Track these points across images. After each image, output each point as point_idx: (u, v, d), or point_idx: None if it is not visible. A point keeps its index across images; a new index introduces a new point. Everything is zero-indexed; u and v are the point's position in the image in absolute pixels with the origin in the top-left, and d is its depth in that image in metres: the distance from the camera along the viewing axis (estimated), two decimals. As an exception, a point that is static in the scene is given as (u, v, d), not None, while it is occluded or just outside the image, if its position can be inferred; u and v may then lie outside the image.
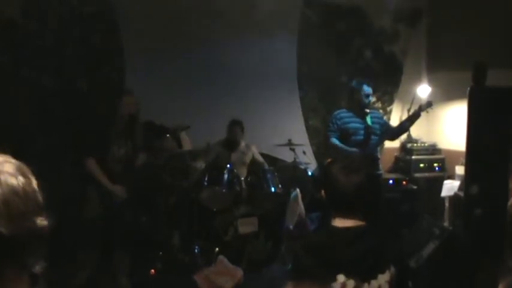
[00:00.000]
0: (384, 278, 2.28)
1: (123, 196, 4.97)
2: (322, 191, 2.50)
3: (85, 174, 5.01)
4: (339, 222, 2.38)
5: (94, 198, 5.15)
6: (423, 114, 5.58)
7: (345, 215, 2.38)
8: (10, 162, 1.26)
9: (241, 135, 6.20)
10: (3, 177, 1.20)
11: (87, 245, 5.17)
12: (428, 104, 5.53)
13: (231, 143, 6.21)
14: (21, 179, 1.23)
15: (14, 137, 5.40)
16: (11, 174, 1.22)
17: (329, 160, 2.77)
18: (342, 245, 2.28)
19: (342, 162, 2.49)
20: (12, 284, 1.21)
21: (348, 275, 2.22)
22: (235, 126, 6.15)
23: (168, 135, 5.42)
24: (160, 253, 5.35)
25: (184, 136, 5.47)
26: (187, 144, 5.85)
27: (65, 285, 4.59)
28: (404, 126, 5.79)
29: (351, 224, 2.36)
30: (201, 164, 5.95)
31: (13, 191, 1.20)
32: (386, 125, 5.90)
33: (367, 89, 5.64)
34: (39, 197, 1.26)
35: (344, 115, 5.67)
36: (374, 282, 2.26)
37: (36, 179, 1.30)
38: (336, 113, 5.77)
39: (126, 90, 5.38)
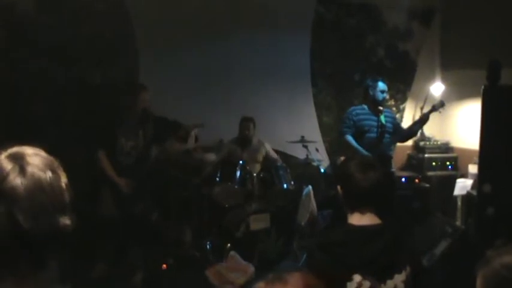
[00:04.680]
0: (400, 278, 2.27)
1: (128, 189, 5.03)
2: (339, 188, 2.48)
3: (98, 168, 5.07)
4: (355, 220, 2.36)
5: (107, 193, 5.20)
6: (436, 113, 5.56)
7: (362, 213, 2.36)
8: (41, 156, 1.25)
9: (253, 132, 6.21)
10: (30, 169, 1.19)
11: (102, 240, 5.21)
12: (441, 104, 5.51)
13: (243, 140, 6.22)
14: (49, 174, 1.21)
15: (27, 131, 5.46)
16: (40, 168, 1.20)
17: (344, 157, 2.76)
18: (359, 244, 2.27)
19: (359, 159, 2.48)
20: (26, 280, 1.19)
21: (364, 275, 2.20)
22: (247, 123, 6.16)
23: (178, 134, 5.43)
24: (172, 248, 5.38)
25: (192, 135, 5.49)
26: (191, 142, 5.81)
27: (81, 278, 4.63)
28: (414, 129, 5.77)
29: (367, 222, 2.35)
30: (212, 157, 5.97)
31: (39, 184, 1.18)
32: (397, 126, 5.89)
33: (382, 86, 5.63)
34: (66, 196, 1.24)
35: (359, 112, 5.66)
36: (390, 282, 2.24)
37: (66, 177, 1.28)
38: (351, 109, 5.76)
39: (142, 86, 5.42)
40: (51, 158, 1.27)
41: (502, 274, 1.54)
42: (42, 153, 1.27)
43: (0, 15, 5.66)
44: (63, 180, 1.25)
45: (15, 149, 1.24)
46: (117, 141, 5.06)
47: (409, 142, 7.29)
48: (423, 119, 5.57)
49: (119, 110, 5.35)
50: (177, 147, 5.48)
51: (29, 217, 1.15)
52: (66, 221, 1.22)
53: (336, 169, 5.38)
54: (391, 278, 2.25)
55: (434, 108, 5.51)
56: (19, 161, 1.20)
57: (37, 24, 5.82)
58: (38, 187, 1.18)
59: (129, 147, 5.10)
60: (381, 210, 2.40)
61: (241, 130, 6.20)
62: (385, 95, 5.68)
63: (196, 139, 5.66)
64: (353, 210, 2.40)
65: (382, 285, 2.23)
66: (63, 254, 1.27)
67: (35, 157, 1.23)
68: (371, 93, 5.64)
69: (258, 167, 6.13)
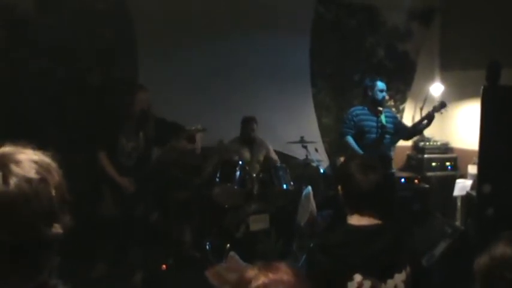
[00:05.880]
0: (400, 278, 2.27)
1: (130, 188, 5.03)
2: (339, 188, 2.48)
3: (98, 169, 5.07)
4: (356, 220, 2.37)
5: (107, 193, 5.20)
6: (436, 113, 5.55)
7: (362, 213, 2.36)
8: (31, 161, 1.19)
9: (256, 129, 6.20)
10: (13, 181, 1.13)
11: (102, 240, 5.22)
12: (442, 105, 5.48)
13: (246, 140, 6.21)
14: (36, 182, 1.15)
15: (27, 131, 5.46)
16: (25, 178, 1.14)
17: (344, 158, 2.76)
18: (359, 244, 2.27)
19: (360, 160, 2.48)
20: (25, 285, 1.16)
21: (365, 275, 2.21)
22: (251, 123, 6.15)
23: (182, 135, 5.42)
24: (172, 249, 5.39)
25: (199, 138, 5.49)
26: (198, 147, 5.78)
27: (82, 278, 4.63)
28: (420, 128, 5.76)
29: (367, 223, 2.35)
30: (212, 162, 5.98)
31: (24, 196, 1.13)
32: (400, 125, 5.87)
33: (381, 85, 5.61)
34: (55, 203, 1.18)
35: (359, 112, 5.64)
36: (390, 282, 2.24)
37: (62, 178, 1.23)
38: (351, 109, 5.74)
39: (140, 86, 5.42)
40: (45, 161, 1.22)
41: (488, 266, 1.56)
42: (33, 155, 1.21)
43: (0, 15, 5.66)
44: (54, 183, 1.20)
45: (1, 152, 1.19)
46: (118, 142, 5.07)
47: (409, 142, 7.29)
48: (429, 119, 5.54)
49: (119, 111, 5.34)
50: (185, 145, 5.46)
51: (13, 231, 1.11)
52: (56, 229, 1.18)
53: (337, 169, 5.39)
54: (392, 277, 2.25)
55: (435, 110, 5.49)
56: (2, 169, 1.14)
57: (37, 24, 5.82)
58: (21, 199, 1.13)
59: (130, 148, 5.11)
60: (382, 211, 2.40)
61: (244, 130, 6.19)
62: (384, 94, 5.67)
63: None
64: (353, 210, 2.40)
65: (383, 284, 2.23)
66: (58, 256, 1.24)
67: (23, 164, 1.17)
68: (370, 93, 5.63)
69: (258, 167, 6.13)
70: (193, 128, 5.30)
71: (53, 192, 1.19)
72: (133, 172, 5.09)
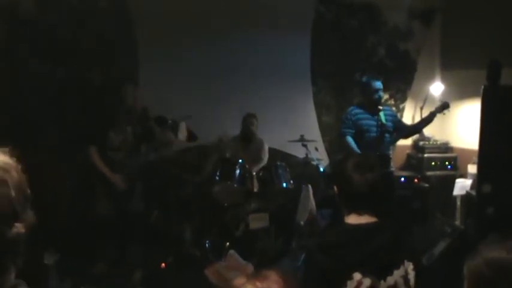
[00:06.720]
0: (399, 273, 2.27)
1: (123, 186, 5.06)
2: (336, 188, 2.46)
3: (89, 164, 5.10)
4: (352, 219, 2.35)
5: (100, 189, 5.22)
6: (439, 114, 5.53)
7: (358, 212, 2.35)
8: None
9: (257, 128, 6.19)
10: None
11: (102, 238, 5.23)
12: (445, 106, 5.45)
13: (246, 137, 6.21)
14: None
15: (24, 129, 5.48)
16: None
17: (341, 157, 2.74)
18: (357, 243, 2.26)
19: (357, 159, 2.46)
20: None
21: (364, 273, 2.21)
22: (251, 118, 6.15)
23: (168, 124, 5.43)
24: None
25: (182, 126, 5.48)
26: (182, 134, 5.73)
27: (83, 276, 4.65)
28: (419, 127, 5.75)
29: (364, 221, 2.33)
30: (211, 161, 5.98)
31: None
32: (399, 123, 5.86)
33: (377, 84, 5.57)
34: (15, 203, 1.18)
35: (358, 111, 5.62)
36: (390, 279, 2.24)
37: (27, 175, 1.23)
38: (350, 109, 5.73)
39: (128, 82, 5.46)
40: (3, 162, 1.20)
41: (482, 269, 1.55)
42: None
43: (0, 15, 5.67)
44: (13, 183, 1.18)
45: None
46: (107, 136, 5.11)
47: (409, 142, 7.29)
48: (429, 119, 5.53)
49: (111, 107, 5.38)
50: (168, 137, 5.47)
51: None
52: (17, 229, 1.17)
53: (333, 168, 5.38)
54: (391, 274, 2.25)
55: (437, 110, 5.45)
56: None
57: (37, 24, 5.82)
58: None
59: (118, 142, 5.13)
60: (380, 210, 2.39)
61: (245, 125, 6.18)
62: (380, 93, 5.61)
63: (195, 137, 5.67)
64: (349, 210, 2.39)
65: (382, 281, 2.23)
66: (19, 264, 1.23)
67: None
68: (366, 93, 5.61)
69: (254, 165, 6.12)
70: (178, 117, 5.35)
71: (13, 193, 1.17)
72: (123, 166, 5.12)
